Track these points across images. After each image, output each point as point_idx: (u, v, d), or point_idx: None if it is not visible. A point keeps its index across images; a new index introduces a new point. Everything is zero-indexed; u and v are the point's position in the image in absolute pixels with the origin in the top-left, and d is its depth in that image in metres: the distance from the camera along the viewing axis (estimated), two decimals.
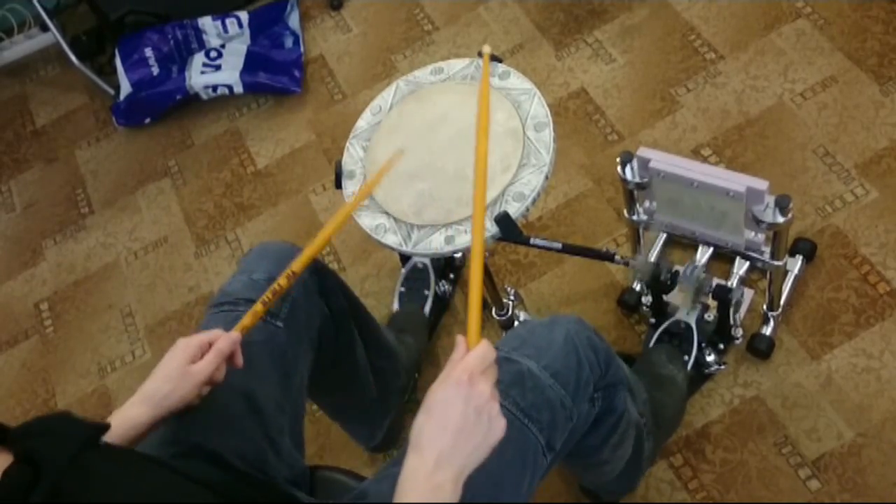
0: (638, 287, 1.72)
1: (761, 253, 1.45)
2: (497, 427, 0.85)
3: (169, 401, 0.99)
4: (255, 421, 1.09)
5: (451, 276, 1.86)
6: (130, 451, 0.94)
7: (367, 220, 1.24)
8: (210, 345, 1.02)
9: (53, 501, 0.66)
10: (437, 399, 0.83)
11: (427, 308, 1.77)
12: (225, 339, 1.03)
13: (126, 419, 0.97)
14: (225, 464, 1.04)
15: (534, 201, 1.17)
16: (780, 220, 1.31)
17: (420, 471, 0.81)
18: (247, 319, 1.07)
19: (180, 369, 0.99)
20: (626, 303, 1.72)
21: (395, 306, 1.80)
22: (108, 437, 0.94)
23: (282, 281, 1.08)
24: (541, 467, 1.04)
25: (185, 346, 1.01)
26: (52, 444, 0.72)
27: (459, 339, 0.87)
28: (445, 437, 0.81)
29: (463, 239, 1.17)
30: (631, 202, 1.52)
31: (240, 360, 1.06)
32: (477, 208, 1.08)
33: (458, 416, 0.82)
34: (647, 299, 1.66)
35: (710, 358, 1.59)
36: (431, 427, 0.82)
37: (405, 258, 1.85)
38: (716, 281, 1.51)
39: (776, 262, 1.44)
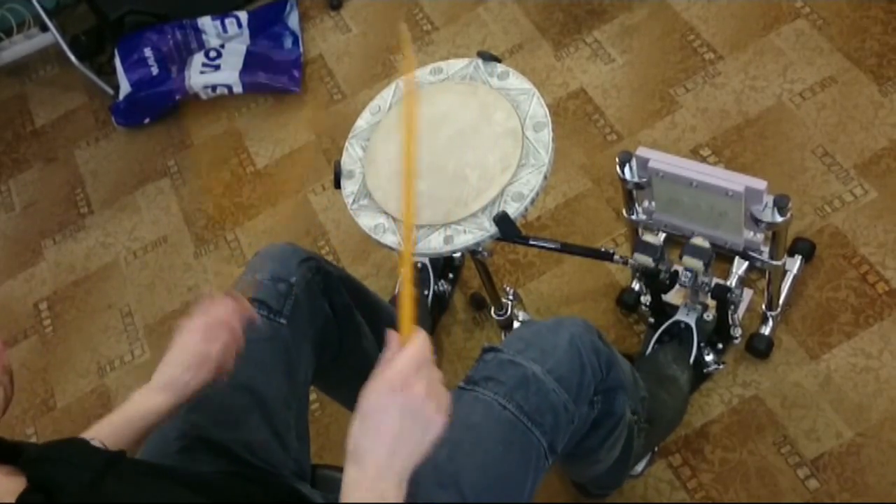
0: (637, 287, 1.72)
1: (760, 253, 1.45)
2: (435, 423, 0.82)
3: (190, 388, 0.99)
4: (262, 415, 1.10)
5: (451, 275, 1.86)
6: (143, 470, 0.93)
7: (367, 220, 1.24)
8: (223, 321, 1.01)
9: None
10: (371, 407, 0.81)
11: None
12: (236, 316, 1.02)
13: (151, 407, 0.97)
14: (232, 456, 1.05)
15: (532, 201, 1.17)
16: (779, 219, 1.31)
17: (362, 482, 0.80)
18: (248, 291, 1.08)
19: (198, 356, 0.99)
20: (626, 302, 1.72)
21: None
22: (129, 422, 0.94)
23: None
24: (542, 470, 1.05)
25: (196, 329, 1.00)
26: (68, 472, 0.71)
27: (391, 334, 0.85)
28: (383, 446, 0.80)
29: (462, 238, 1.17)
30: (630, 202, 1.52)
31: (255, 316, 1.06)
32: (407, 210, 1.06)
33: (393, 423, 0.80)
34: (646, 299, 1.66)
35: (709, 357, 1.59)
36: (368, 438, 0.81)
37: None
38: (715, 280, 1.51)
39: (775, 262, 1.44)
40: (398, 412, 0.80)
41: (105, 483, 0.74)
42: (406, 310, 0.86)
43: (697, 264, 1.38)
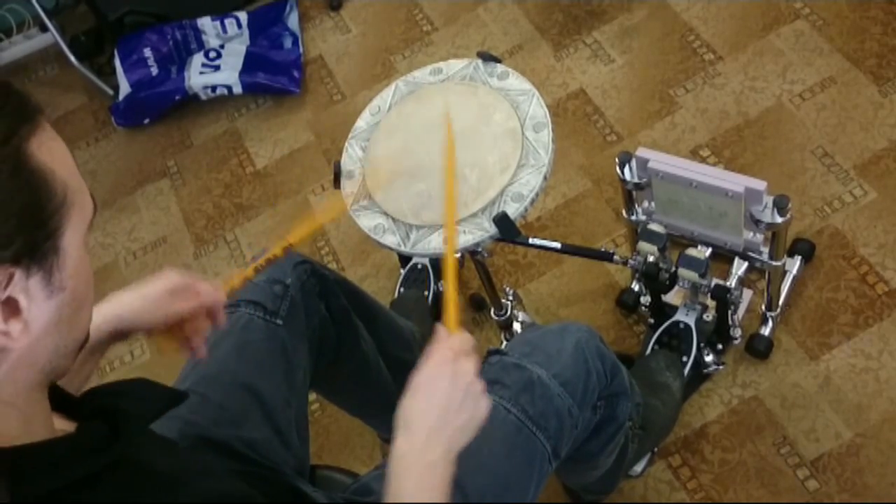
0: (637, 287, 1.72)
1: (760, 253, 1.45)
2: (482, 406, 0.84)
3: (133, 316, 0.96)
4: (262, 413, 1.10)
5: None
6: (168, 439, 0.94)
7: (366, 221, 1.24)
8: (192, 291, 1.00)
9: (126, 459, 0.66)
10: (421, 378, 0.84)
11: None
12: (209, 294, 1.00)
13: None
14: (235, 454, 1.05)
15: (532, 202, 1.17)
16: (779, 220, 1.31)
17: (411, 451, 0.81)
18: (235, 281, 1.06)
19: (159, 295, 0.97)
20: (625, 303, 1.72)
21: None
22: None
23: (277, 251, 1.08)
24: (546, 473, 1.05)
25: (171, 276, 0.98)
26: (132, 405, 0.72)
27: (439, 326, 0.88)
28: (432, 414, 0.81)
29: (462, 239, 1.17)
30: (630, 202, 1.52)
31: (222, 320, 1.03)
32: (448, 209, 1.08)
33: (443, 393, 0.82)
34: (645, 299, 1.66)
35: (709, 358, 1.59)
36: (418, 406, 0.83)
37: (404, 259, 1.86)
38: (714, 281, 1.51)
39: (775, 263, 1.44)
40: (448, 382, 0.82)
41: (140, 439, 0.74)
42: (451, 309, 0.90)
43: (692, 275, 1.39)
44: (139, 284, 0.98)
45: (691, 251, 1.41)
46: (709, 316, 1.58)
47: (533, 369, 1.05)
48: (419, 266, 1.82)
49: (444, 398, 0.82)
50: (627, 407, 1.19)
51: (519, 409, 1.02)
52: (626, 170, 1.41)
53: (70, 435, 0.66)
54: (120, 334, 0.97)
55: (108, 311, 0.96)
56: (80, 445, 0.65)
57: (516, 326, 1.67)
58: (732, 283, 1.58)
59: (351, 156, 1.32)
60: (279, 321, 1.17)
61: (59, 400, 0.73)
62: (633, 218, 1.54)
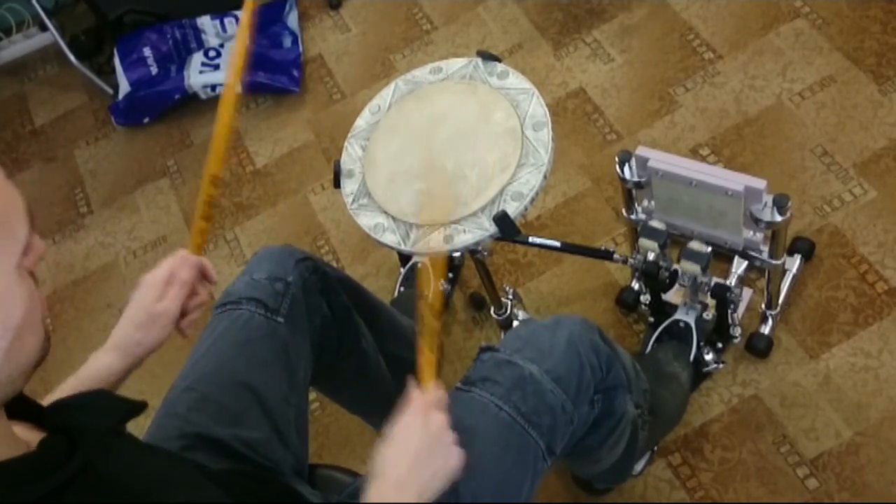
0: (636, 286, 1.72)
1: (760, 252, 1.45)
2: (453, 456, 0.88)
3: (142, 347, 0.99)
4: (262, 412, 1.10)
5: (450, 275, 1.86)
6: (149, 445, 0.95)
7: (366, 220, 1.24)
8: (172, 275, 1.02)
9: (86, 473, 0.66)
10: (395, 429, 0.87)
11: None
12: (185, 269, 1.03)
13: (102, 367, 0.98)
14: (233, 452, 1.05)
15: (532, 201, 1.17)
16: (779, 218, 1.31)
17: (382, 495, 0.84)
18: (196, 238, 1.09)
19: (148, 313, 0.99)
20: (625, 302, 1.72)
21: None
22: (81, 384, 0.95)
23: (210, 190, 1.09)
24: (541, 471, 1.04)
25: (147, 286, 1.01)
26: (90, 417, 0.73)
27: (411, 381, 0.91)
28: (404, 461, 0.85)
29: (462, 238, 1.17)
30: (629, 201, 1.52)
31: (214, 276, 1.07)
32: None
33: (416, 441, 0.86)
34: (645, 298, 1.66)
35: (709, 357, 1.59)
36: (390, 456, 0.86)
37: (404, 258, 1.86)
38: (714, 279, 1.51)
39: (775, 261, 1.44)
40: (421, 433, 0.86)
41: (114, 441, 0.74)
42: (427, 369, 0.94)
43: (695, 268, 1.39)
44: (128, 309, 1.00)
45: (693, 244, 1.40)
46: (709, 315, 1.58)
47: (525, 365, 1.04)
48: (419, 265, 1.82)
49: (414, 448, 0.85)
50: (624, 400, 1.18)
51: (511, 406, 1.01)
52: (626, 168, 1.41)
53: (27, 454, 0.66)
54: (134, 365, 0.99)
55: (110, 350, 0.98)
56: (37, 464, 0.64)
57: (516, 325, 1.67)
58: (732, 281, 1.58)
59: (351, 155, 1.32)
60: (280, 319, 1.17)
61: (28, 410, 0.73)
62: (633, 217, 1.54)
